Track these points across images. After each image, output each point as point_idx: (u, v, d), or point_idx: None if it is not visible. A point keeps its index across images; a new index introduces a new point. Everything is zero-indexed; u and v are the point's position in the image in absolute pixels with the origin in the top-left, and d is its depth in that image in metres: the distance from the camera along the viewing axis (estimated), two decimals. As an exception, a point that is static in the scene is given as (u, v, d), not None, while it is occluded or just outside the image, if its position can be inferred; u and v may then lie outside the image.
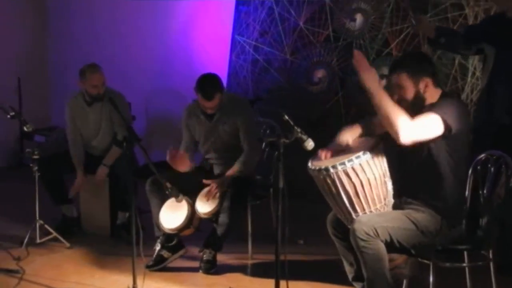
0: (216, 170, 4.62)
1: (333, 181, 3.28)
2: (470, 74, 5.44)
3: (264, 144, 4.73)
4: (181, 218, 4.30)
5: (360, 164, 3.25)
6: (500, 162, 3.44)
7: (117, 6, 7.29)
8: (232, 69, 6.53)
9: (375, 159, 3.31)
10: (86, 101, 5.08)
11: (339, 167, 3.25)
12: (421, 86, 3.30)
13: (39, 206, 4.80)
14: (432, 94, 3.34)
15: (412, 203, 3.37)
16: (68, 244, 4.80)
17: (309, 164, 3.42)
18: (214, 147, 4.59)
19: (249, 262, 4.58)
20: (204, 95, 4.42)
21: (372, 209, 3.32)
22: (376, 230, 3.18)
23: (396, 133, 3.14)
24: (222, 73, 6.45)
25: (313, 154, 3.47)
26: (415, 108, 3.29)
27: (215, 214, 4.33)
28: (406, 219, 3.28)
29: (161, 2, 6.94)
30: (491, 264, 3.38)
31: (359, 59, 3.22)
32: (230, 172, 4.43)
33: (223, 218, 4.32)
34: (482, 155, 3.53)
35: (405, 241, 3.25)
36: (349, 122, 5.62)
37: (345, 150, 3.44)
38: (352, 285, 3.61)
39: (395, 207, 3.41)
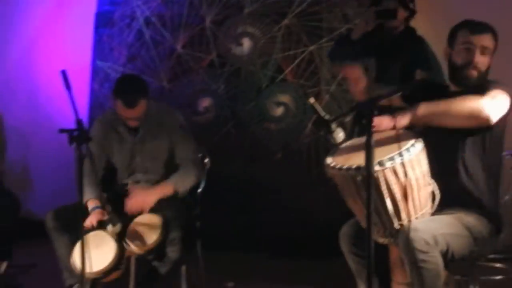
0: None
1: (375, 182, 2.63)
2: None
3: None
4: (107, 257, 3.33)
5: (410, 159, 2.67)
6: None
7: None
8: (95, 99, 5.58)
9: (423, 151, 2.76)
10: None
11: (388, 164, 2.63)
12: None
13: None
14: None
15: (449, 207, 2.86)
16: None
17: (331, 161, 2.77)
18: (141, 170, 3.69)
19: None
20: (125, 101, 3.54)
21: (419, 215, 2.75)
22: (435, 239, 2.63)
23: (482, 115, 2.71)
24: (82, 104, 5.48)
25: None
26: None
27: (155, 249, 3.41)
28: (458, 224, 2.77)
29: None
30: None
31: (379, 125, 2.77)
32: (163, 189, 3.57)
33: (171, 253, 3.44)
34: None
35: (460, 251, 2.74)
36: (244, 156, 5.29)
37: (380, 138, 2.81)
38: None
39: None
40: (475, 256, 2.83)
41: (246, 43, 5.41)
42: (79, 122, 2.95)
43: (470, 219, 2.79)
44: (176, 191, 3.62)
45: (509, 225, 2.97)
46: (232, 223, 5.09)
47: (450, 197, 2.83)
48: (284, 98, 5.28)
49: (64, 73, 2.97)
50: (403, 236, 2.65)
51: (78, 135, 2.91)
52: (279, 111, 5.28)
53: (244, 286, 4.25)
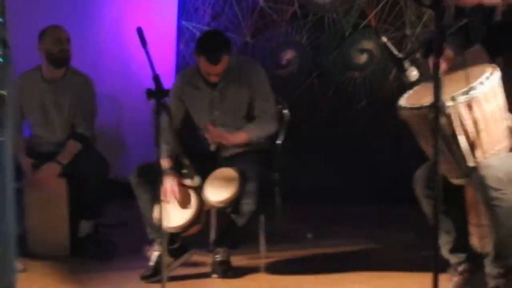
0: (224, 151, 3.73)
1: (448, 119, 2.52)
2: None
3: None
4: (187, 212, 3.40)
5: (485, 93, 2.52)
6: None
7: None
8: (181, 59, 5.65)
9: (499, 84, 2.59)
10: (43, 77, 4.10)
11: (461, 98, 2.50)
12: None
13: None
14: None
15: None
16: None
17: (403, 102, 2.70)
18: (221, 122, 3.71)
19: (264, 261, 3.73)
20: (209, 57, 3.55)
21: (495, 151, 2.61)
22: (510, 176, 2.50)
23: None
24: (168, 65, 5.57)
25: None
26: None
27: (233, 202, 3.44)
28: None
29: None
30: None
31: None
32: (242, 137, 3.62)
33: (247, 206, 3.44)
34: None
35: None
36: (327, 106, 5.22)
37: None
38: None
39: None
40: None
41: (328, -11, 5.28)
42: (156, 77, 2.96)
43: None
44: (251, 139, 3.64)
45: None
46: (315, 173, 5.03)
47: None
48: (368, 44, 5.13)
49: (139, 30, 2.97)
50: (476, 173, 2.54)
51: (155, 90, 2.93)
52: (363, 58, 5.15)
53: (323, 237, 4.24)
